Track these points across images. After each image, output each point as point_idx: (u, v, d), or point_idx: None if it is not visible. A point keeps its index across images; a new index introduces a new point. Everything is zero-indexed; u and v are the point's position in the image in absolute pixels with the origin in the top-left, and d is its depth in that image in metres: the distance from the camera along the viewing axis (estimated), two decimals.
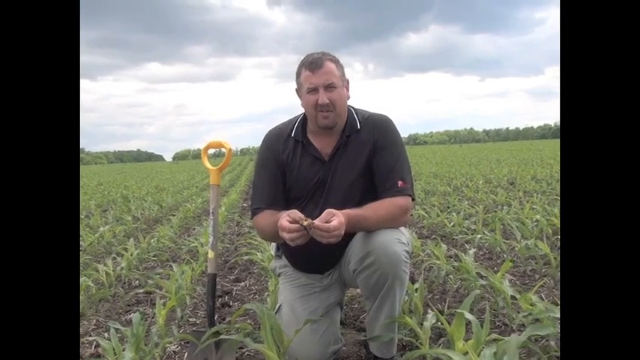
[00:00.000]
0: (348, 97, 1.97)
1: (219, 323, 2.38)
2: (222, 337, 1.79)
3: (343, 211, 1.70)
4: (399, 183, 1.88)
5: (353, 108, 2.01)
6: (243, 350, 2.19)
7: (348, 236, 1.77)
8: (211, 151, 2.37)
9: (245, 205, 7.96)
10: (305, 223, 1.62)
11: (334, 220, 1.65)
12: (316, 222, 1.63)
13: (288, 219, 1.67)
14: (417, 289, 2.27)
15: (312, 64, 1.87)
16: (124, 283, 3.44)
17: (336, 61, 1.91)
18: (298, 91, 1.96)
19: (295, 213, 1.69)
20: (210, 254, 2.09)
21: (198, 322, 2.65)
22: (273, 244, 2.23)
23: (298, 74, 1.93)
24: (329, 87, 1.86)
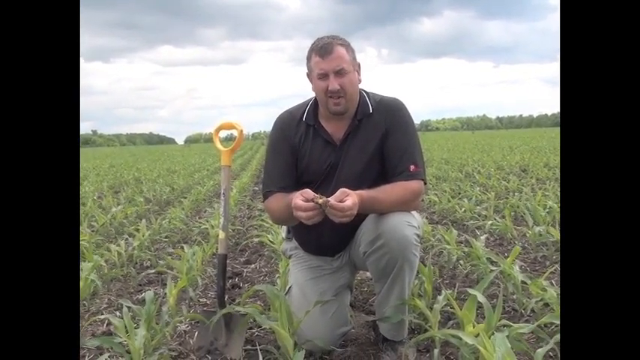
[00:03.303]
0: (360, 81, 1.95)
1: (229, 304, 2.40)
2: (236, 310, 1.80)
3: (357, 191, 1.70)
4: (411, 167, 1.87)
5: (365, 91, 1.99)
6: (253, 331, 2.21)
7: (359, 218, 1.77)
8: (223, 134, 2.37)
9: (256, 188, 7.98)
10: (320, 201, 1.63)
11: (348, 199, 1.65)
12: (331, 200, 1.63)
13: (301, 198, 1.67)
14: (426, 274, 2.27)
15: (321, 49, 1.84)
16: (136, 263, 3.48)
17: (347, 45, 1.88)
18: (309, 75, 1.95)
19: (308, 192, 1.68)
20: (221, 235, 2.10)
21: (208, 302, 2.67)
22: (284, 227, 2.24)
23: (309, 59, 1.91)
24: (339, 72, 1.83)
